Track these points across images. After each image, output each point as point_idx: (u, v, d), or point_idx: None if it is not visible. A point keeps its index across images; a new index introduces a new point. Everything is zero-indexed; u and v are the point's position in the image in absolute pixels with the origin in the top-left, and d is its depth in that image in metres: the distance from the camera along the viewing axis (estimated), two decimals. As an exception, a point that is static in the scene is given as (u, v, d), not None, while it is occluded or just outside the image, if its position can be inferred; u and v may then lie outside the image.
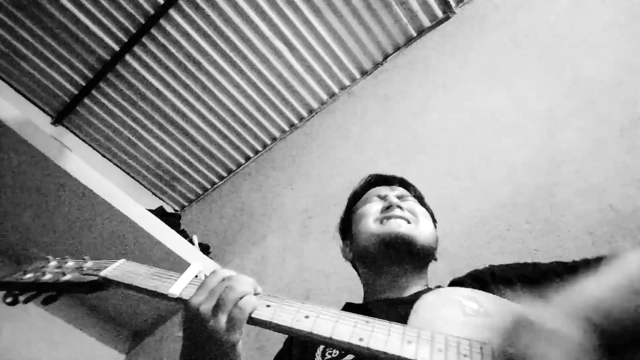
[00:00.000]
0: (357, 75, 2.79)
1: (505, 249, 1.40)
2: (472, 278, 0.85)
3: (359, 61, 2.74)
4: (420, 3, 2.51)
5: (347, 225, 1.06)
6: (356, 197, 1.09)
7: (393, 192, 1.02)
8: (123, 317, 2.57)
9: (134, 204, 2.28)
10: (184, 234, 2.62)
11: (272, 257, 2.26)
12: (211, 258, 2.58)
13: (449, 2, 2.45)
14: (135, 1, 2.51)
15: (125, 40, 2.62)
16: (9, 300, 0.76)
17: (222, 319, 0.58)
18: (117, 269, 0.74)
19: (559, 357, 0.45)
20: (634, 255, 0.61)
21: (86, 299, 2.49)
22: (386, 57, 2.70)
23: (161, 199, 3.32)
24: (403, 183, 1.10)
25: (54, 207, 2.13)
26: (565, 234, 1.30)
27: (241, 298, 0.60)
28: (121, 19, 2.56)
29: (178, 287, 0.65)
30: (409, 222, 0.92)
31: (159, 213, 2.58)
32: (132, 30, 2.60)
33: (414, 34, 2.61)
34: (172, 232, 2.42)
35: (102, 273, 0.73)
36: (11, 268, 2.30)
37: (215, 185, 3.23)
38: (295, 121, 2.97)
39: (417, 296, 0.75)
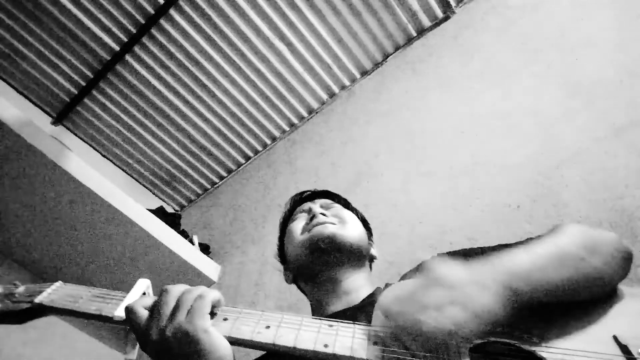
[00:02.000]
0: (357, 75, 2.79)
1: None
2: (418, 269, 0.83)
3: (359, 61, 2.74)
4: (420, 3, 2.51)
5: (282, 251, 1.06)
6: (285, 221, 1.09)
7: (317, 204, 1.02)
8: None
9: (134, 204, 2.28)
10: (184, 234, 2.62)
11: (272, 257, 2.26)
12: (211, 258, 2.58)
13: (449, 2, 2.46)
14: (135, 1, 2.51)
15: (125, 40, 2.62)
16: None
17: (182, 314, 0.54)
18: (53, 294, 0.67)
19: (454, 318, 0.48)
20: (569, 226, 0.65)
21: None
22: (386, 57, 2.70)
23: (161, 199, 3.32)
24: (327, 194, 1.10)
25: (53, 207, 2.13)
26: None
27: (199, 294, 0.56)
28: (121, 19, 2.56)
29: (123, 308, 0.59)
30: (334, 224, 0.92)
31: (159, 213, 2.58)
32: (132, 30, 2.60)
33: (414, 34, 2.61)
34: (172, 232, 2.43)
35: (37, 299, 0.66)
36: (10, 268, 2.30)
37: (215, 185, 3.23)
38: (295, 121, 2.97)
39: (370, 299, 0.74)
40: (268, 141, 3.07)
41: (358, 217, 1.03)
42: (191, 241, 2.58)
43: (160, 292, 0.58)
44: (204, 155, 3.11)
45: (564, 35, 1.82)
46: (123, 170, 3.19)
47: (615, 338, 0.51)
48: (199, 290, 0.58)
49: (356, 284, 0.88)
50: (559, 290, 0.55)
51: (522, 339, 0.52)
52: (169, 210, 3.21)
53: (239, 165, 3.16)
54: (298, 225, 0.97)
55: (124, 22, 2.58)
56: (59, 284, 0.70)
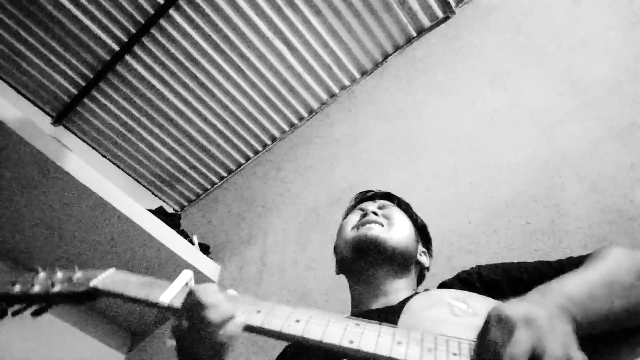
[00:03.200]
0: (357, 75, 2.79)
1: (505, 249, 1.40)
2: (460, 280, 0.85)
3: (359, 61, 2.74)
4: (420, 3, 2.51)
5: None
6: (346, 216, 1.11)
7: (375, 204, 1.05)
8: (123, 317, 2.57)
9: (134, 204, 2.28)
10: (184, 234, 2.62)
11: (272, 257, 2.26)
12: (211, 258, 2.58)
13: (449, 2, 2.46)
14: (135, 1, 2.51)
15: (125, 40, 2.62)
16: None
17: (215, 314, 0.57)
18: (107, 279, 0.74)
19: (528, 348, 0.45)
20: (612, 250, 0.63)
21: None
22: (386, 57, 2.70)
23: (161, 199, 3.32)
24: (387, 196, 1.12)
25: (53, 207, 2.13)
26: (565, 234, 1.30)
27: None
28: (121, 19, 2.56)
29: (168, 295, 0.65)
30: (382, 226, 0.94)
31: (159, 213, 2.58)
32: (132, 30, 2.60)
33: (414, 34, 2.61)
34: (172, 232, 2.43)
35: (92, 283, 0.72)
36: (10, 268, 2.30)
37: (215, 185, 3.23)
38: (295, 121, 2.97)
39: (405, 302, 0.76)
40: (268, 141, 3.07)
41: (415, 224, 1.05)
42: (191, 241, 2.58)
43: (191, 295, 0.60)
44: (204, 155, 3.11)
45: (563, 35, 1.82)
46: (123, 170, 3.19)
47: None
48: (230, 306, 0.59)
49: (395, 287, 0.90)
50: (612, 320, 0.53)
51: None
52: (169, 210, 3.21)
53: (239, 165, 3.16)
54: (351, 220, 1.01)
55: (124, 22, 2.58)
56: (112, 270, 0.76)
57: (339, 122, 2.64)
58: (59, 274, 0.78)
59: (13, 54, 2.66)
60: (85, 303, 0.74)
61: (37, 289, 0.75)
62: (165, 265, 2.36)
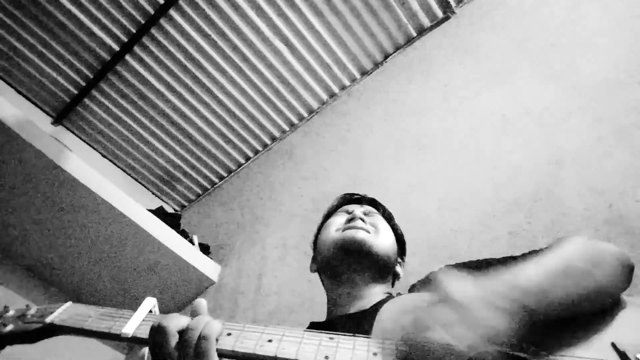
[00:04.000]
0: (357, 75, 2.79)
1: (505, 249, 1.40)
2: (427, 282, 0.86)
3: (359, 61, 2.74)
4: (420, 3, 2.51)
5: (317, 240, 1.10)
6: (328, 215, 1.12)
7: (361, 209, 1.05)
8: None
9: (134, 204, 2.28)
10: (184, 234, 2.62)
11: (272, 257, 2.26)
12: (211, 258, 2.58)
13: (449, 2, 2.46)
14: (135, 1, 2.51)
15: (125, 40, 2.62)
16: None
17: (189, 352, 0.55)
18: (64, 313, 0.70)
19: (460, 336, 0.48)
20: (570, 239, 0.65)
21: (86, 300, 2.49)
22: (386, 57, 2.70)
23: (161, 199, 3.32)
24: (373, 203, 1.13)
25: (53, 207, 2.13)
26: (566, 234, 1.30)
27: (204, 328, 0.57)
28: (121, 19, 2.56)
29: (131, 325, 0.62)
30: (368, 232, 0.95)
31: (159, 213, 2.58)
32: (132, 30, 2.60)
33: (414, 34, 2.61)
34: (172, 232, 2.43)
35: (48, 319, 0.69)
36: (10, 268, 2.30)
37: (215, 185, 3.23)
38: (295, 121, 2.97)
39: (378, 306, 0.76)
40: (268, 141, 3.07)
41: (396, 234, 1.06)
42: (191, 241, 2.58)
43: (157, 329, 0.58)
44: (204, 155, 3.11)
45: (563, 36, 1.82)
46: (123, 170, 3.19)
47: (613, 345, 0.52)
48: (201, 327, 0.57)
49: (372, 292, 0.91)
50: (567, 306, 0.55)
51: (527, 351, 0.53)
52: (169, 210, 3.21)
53: (239, 165, 3.16)
54: (336, 221, 1.01)
55: (124, 22, 2.58)
56: (68, 304, 0.72)
57: (339, 122, 2.64)
58: (11, 312, 0.75)
59: (13, 54, 2.66)
60: (41, 340, 0.70)
61: None
62: (165, 266, 2.36)
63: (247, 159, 3.13)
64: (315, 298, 1.83)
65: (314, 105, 2.89)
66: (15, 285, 2.26)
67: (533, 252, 0.75)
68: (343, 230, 0.95)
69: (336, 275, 0.94)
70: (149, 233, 2.26)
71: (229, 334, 0.58)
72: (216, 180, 3.23)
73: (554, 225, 1.35)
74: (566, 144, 1.50)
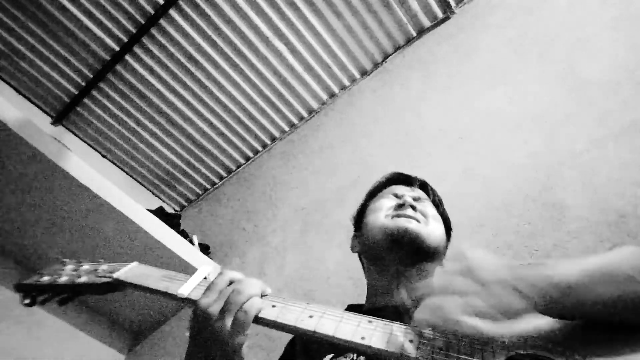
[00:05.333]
0: (357, 75, 2.79)
1: (505, 249, 1.40)
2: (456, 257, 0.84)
3: (359, 61, 2.74)
4: (420, 3, 2.51)
5: (361, 218, 1.04)
6: (374, 192, 1.07)
7: (410, 193, 1.00)
8: (123, 317, 2.57)
9: (134, 204, 2.28)
10: (184, 234, 2.62)
11: (272, 257, 2.26)
12: (211, 258, 2.58)
13: (449, 2, 2.46)
14: (135, 1, 2.51)
15: (125, 40, 2.62)
16: (27, 301, 0.79)
17: (228, 321, 0.59)
18: (130, 271, 0.77)
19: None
20: (624, 247, 0.62)
21: (86, 299, 2.49)
22: (386, 57, 2.70)
23: (161, 199, 3.32)
24: (423, 186, 1.09)
25: (53, 207, 2.13)
26: (566, 234, 1.30)
27: (247, 301, 0.61)
28: (121, 19, 2.56)
29: (187, 288, 0.68)
30: (419, 222, 0.91)
31: (159, 213, 2.58)
32: (132, 30, 2.60)
33: (414, 34, 2.61)
34: (172, 232, 2.43)
35: (116, 275, 0.76)
36: (10, 268, 2.30)
37: (215, 186, 3.23)
38: (295, 121, 2.97)
39: (417, 304, 0.75)
40: (268, 141, 3.07)
41: (444, 219, 1.02)
42: (191, 241, 2.58)
43: (218, 274, 0.65)
44: (204, 155, 3.11)
45: (563, 36, 1.83)
46: (123, 170, 3.19)
47: None
48: (246, 291, 0.62)
49: (417, 285, 0.88)
50: (604, 309, 0.53)
51: (564, 356, 0.51)
52: (169, 210, 3.21)
53: (239, 165, 3.16)
54: (385, 204, 0.96)
55: (124, 22, 2.58)
56: (135, 263, 0.79)
57: (339, 122, 2.64)
58: (85, 266, 0.83)
59: (13, 54, 2.66)
60: (108, 293, 0.77)
61: (64, 279, 0.79)
62: (165, 266, 2.36)
63: (247, 159, 3.13)
64: (315, 298, 1.83)
65: (314, 105, 2.89)
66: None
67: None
68: (392, 217, 0.91)
69: (382, 263, 0.91)
70: (149, 233, 2.26)
71: (273, 306, 0.62)
72: (216, 180, 3.23)
73: (553, 225, 1.35)
74: (566, 144, 1.50)
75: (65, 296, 0.80)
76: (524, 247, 1.36)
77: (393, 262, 0.89)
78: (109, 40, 2.63)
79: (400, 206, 0.93)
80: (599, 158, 1.39)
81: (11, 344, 2.07)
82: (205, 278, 0.71)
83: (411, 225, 0.88)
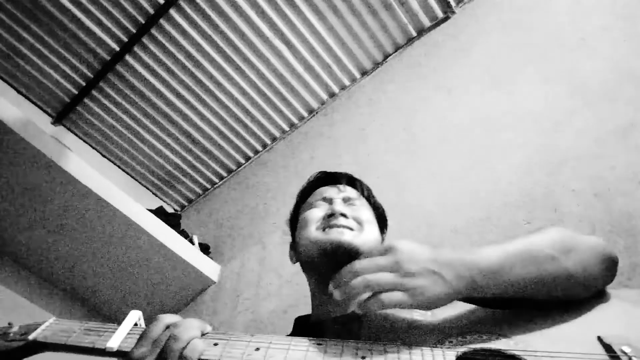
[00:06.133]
0: (357, 75, 2.79)
1: (505, 249, 1.40)
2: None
3: (359, 61, 2.74)
4: (420, 3, 2.51)
5: (294, 225, 1.03)
6: (304, 195, 1.05)
7: (340, 195, 0.98)
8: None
9: (134, 204, 2.28)
10: (184, 234, 2.62)
11: (272, 257, 2.26)
12: (211, 258, 2.58)
13: (449, 2, 2.46)
14: (135, 1, 2.51)
15: (125, 40, 2.63)
16: None
17: None
18: (46, 330, 0.69)
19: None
20: (547, 229, 0.65)
21: (87, 299, 2.49)
22: (386, 57, 2.70)
23: (161, 199, 3.32)
24: (350, 181, 1.05)
25: (53, 207, 2.13)
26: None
27: (187, 345, 0.56)
28: (121, 19, 2.56)
29: (116, 340, 0.62)
30: (352, 230, 0.88)
31: (159, 213, 2.58)
32: (132, 30, 2.60)
33: (414, 34, 2.61)
34: (172, 232, 2.43)
35: (31, 336, 0.68)
36: (10, 268, 2.30)
37: (215, 185, 3.23)
38: (295, 121, 2.97)
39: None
40: (268, 141, 3.07)
41: (377, 211, 1.01)
42: (191, 241, 2.58)
43: (153, 321, 0.60)
44: (204, 155, 3.11)
45: (564, 36, 1.82)
46: (123, 170, 3.19)
47: (599, 338, 0.52)
48: (184, 334, 0.57)
49: None
50: (526, 287, 0.56)
51: (495, 335, 0.54)
52: (169, 210, 3.21)
53: (239, 165, 3.16)
54: (315, 214, 0.93)
55: (124, 22, 2.58)
56: (52, 320, 0.71)
57: (339, 121, 2.64)
58: None
59: (13, 54, 2.67)
60: (25, 357, 0.69)
61: None
62: (166, 266, 2.36)
63: (247, 159, 3.13)
64: (315, 298, 1.83)
65: (314, 105, 2.89)
66: (15, 285, 2.26)
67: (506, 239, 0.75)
68: (324, 229, 0.88)
69: (320, 275, 0.89)
70: (149, 233, 2.26)
71: (215, 344, 0.58)
72: (216, 180, 3.23)
73: (553, 225, 1.35)
74: (566, 144, 1.50)
75: None
76: (523, 247, 1.36)
77: (330, 273, 0.89)
78: (109, 40, 2.63)
79: (330, 216, 0.90)
80: (599, 158, 1.39)
81: (11, 343, 2.07)
82: (136, 324, 0.66)
83: (344, 237, 0.85)
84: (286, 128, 3.00)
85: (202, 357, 0.56)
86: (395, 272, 0.55)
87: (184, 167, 3.16)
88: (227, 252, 2.59)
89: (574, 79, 1.65)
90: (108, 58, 2.69)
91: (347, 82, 2.81)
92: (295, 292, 1.95)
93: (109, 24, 2.58)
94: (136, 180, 3.25)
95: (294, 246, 1.01)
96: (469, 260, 0.56)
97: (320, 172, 1.09)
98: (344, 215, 0.90)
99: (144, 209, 2.34)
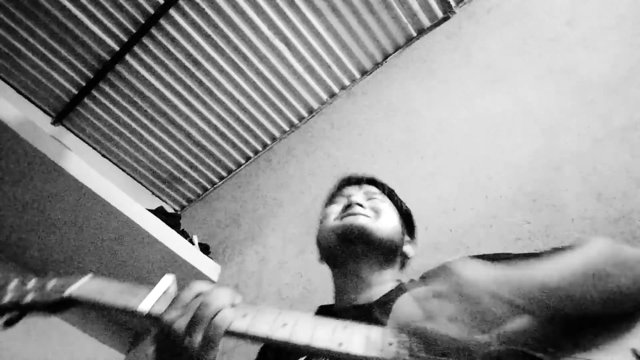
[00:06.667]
0: (357, 75, 2.79)
1: (505, 249, 1.40)
2: (442, 270, 0.84)
3: (359, 61, 2.74)
4: (420, 3, 2.51)
5: None
6: (329, 199, 1.09)
7: (360, 191, 1.01)
8: (123, 317, 2.57)
9: (134, 204, 2.28)
10: (184, 234, 2.62)
11: (272, 257, 2.26)
12: (211, 258, 2.58)
13: (449, 2, 2.45)
14: (135, 1, 2.51)
15: (125, 40, 2.62)
16: None
17: (197, 337, 0.55)
18: (83, 286, 0.70)
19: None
20: (595, 241, 0.63)
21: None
22: (386, 57, 2.70)
23: (161, 199, 3.32)
24: (372, 182, 1.08)
25: (53, 207, 2.13)
26: (566, 234, 1.30)
27: (217, 314, 0.57)
28: (121, 19, 2.56)
29: (148, 302, 0.62)
30: (368, 217, 0.91)
31: (159, 213, 2.58)
32: (132, 30, 2.60)
33: (414, 34, 2.61)
34: (172, 232, 2.43)
35: (67, 291, 0.68)
36: (10, 267, 2.30)
37: (215, 185, 3.23)
38: (295, 121, 2.97)
39: (388, 297, 0.74)
40: (268, 141, 3.07)
41: (401, 211, 1.02)
42: (191, 241, 2.58)
43: (176, 297, 0.60)
44: (204, 155, 3.11)
45: (564, 36, 1.82)
46: (123, 170, 3.19)
47: (633, 351, 0.51)
48: (215, 303, 0.57)
49: (380, 279, 0.88)
50: (587, 308, 0.54)
51: (545, 352, 0.52)
52: (169, 210, 3.21)
53: (239, 165, 3.16)
54: (334, 209, 0.97)
55: (124, 22, 2.58)
56: (89, 276, 0.72)
57: (339, 121, 2.64)
58: (32, 282, 0.75)
59: (13, 54, 2.66)
60: (60, 312, 0.70)
61: (8, 298, 0.72)
62: (165, 265, 2.36)
63: (247, 159, 3.13)
64: (315, 297, 1.83)
65: (314, 105, 2.89)
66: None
67: (554, 250, 0.74)
68: (341, 219, 0.91)
69: (340, 265, 0.91)
70: (149, 233, 2.26)
71: (244, 315, 0.58)
72: (216, 180, 3.23)
73: (553, 225, 1.35)
74: (566, 144, 1.50)
75: (11, 317, 0.72)
76: (524, 247, 1.36)
77: (348, 260, 0.89)
78: (109, 40, 2.63)
79: (348, 207, 0.93)
80: (599, 158, 1.39)
81: (11, 344, 2.07)
82: (166, 290, 0.66)
83: (357, 220, 0.88)
84: (286, 128, 3.00)
85: (231, 329, 0.56)
86: (454, 299, 0.51)
87: (184, 167, 3.16)
88: (227, 252, 2.59)
89: (574, 79, 1.65)
90: (108, 58, 2.69)
91: (347, 82, 2.81)
92: (295, 292, 1.95)
93: (109, 24, 2.58)
94: (136, 180, 3.25)
95: (317, 244, 1.03)
96: (530, 279, 0.53)
97: (343, 177, 1.13)
98: (360, 204, 0.92)
99: (144, 209, 2.34)
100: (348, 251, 0.88)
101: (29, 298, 0.71)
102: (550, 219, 1.37)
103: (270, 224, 2.46)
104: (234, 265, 2.46)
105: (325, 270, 1.94)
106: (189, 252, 2.42)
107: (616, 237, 1.20)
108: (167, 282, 0.66)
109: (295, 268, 2.07)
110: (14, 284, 0.75)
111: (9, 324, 0.71)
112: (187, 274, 2.39)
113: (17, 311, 0.72)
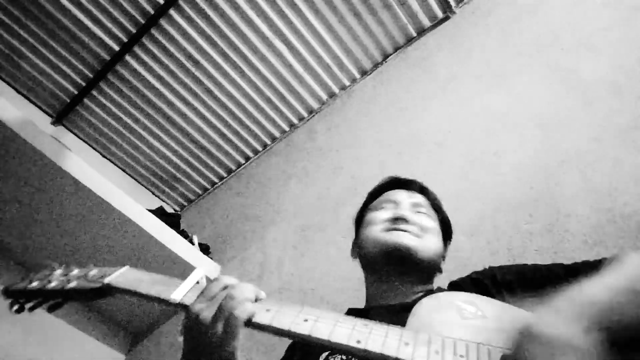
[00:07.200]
0: (357, 75, 2.79)
1: (505, 249, 1.40)
2: (472, 281, 0.85)
3: (359, 61, 2.74)
4: (420, 3, 2.51)
5: (360, 224, 1.06)
6: (373, 196, 1.08)
7: (409, 200, 1.00)
8: (123, 317, 2.58)
9: (134, 204, 2.28)
10: (184, 234, 2.62)
11: (272, 257, 2.26)
12: (211, 258, 2.58)
13: (449, 2, 2.45)
14: (135, 1, 2.51)
15: (125, 40, 2.62)
16: (15, 308, 0.79)
17: (220, 327, 0.60)
18: (121, 276, 0.76)
19: None
20: (632, 256, 0.61)
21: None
22: (386, 57, 2.70)
23: (161, 199, 3.32)
24: (422, 190, 1.08)
25: (53, 207, 2.13)
26: (566, 234, 1.30)
27: (239, 306, 0.61)
28: (121, 19, 2.56)
29: (179, 292, 0.67)
30: (414, 235, 0.91)
31: (159, 213, 2.58)
32: (132, 30, 2.60)
33: (414, 34, 2.61)
34: (172, 232, 2.43)
35: (107, 280, 0.75)
36: (10, 267, 2.30)
37: (215, 185, 3.23)
38: (295, 121, 2.97)
39: (417, 301, 0.75)
40: (268, 141, 3.07)
41: (443, 223, 1.03)
42: (191, 241, 2.58)
43: (213, 279, 0.66)
44: (204, 155, 3.11)
45: (564, 36, 1.82)
46: (123, 170, 3.19)
47: None
48: (239, 296, 0.62)
49: (415, 290, 0.90)
50: (632, 326, 0.51)
51: None
52: (169, 210, 3.21)
53: (239, 165, 3.16)
54: (381, 216, 0.97)
55: (124, 22, 2.58)
56: (126, 267, 0.78)
57: (339, 122, 2.64)
58: (75, 271, 0.81)
59: (13, 54, 2.66)
60: (98, 299, 0.77)
61: (53, 284, 0.78)
62: (165, 265, 2.36)
63: (247, 159, 3.13)
64: (315, 298, 1.83)
65: (314, 105, 2.89)
66: (15, 285, 2.26)
67: (586, 263, 0.73)
68: (388, 230, 0.91)
69: (377, 273, 0.93)
70: (149, 233, 2.27)
71: (267, 310, 0.62)
72: (216, 180, 3.23)
73: (554, 225, 1.35)
74: (566, 144, 1.50)
75: (55, 302, 0.79)
76: (524, 247, 1.36)
77: (388, 274, 0.91)
78: (109, 40, 2.63)
79: (396, 220, 0.93)
80: (599, 158, 1.39)
81: (11, 344, 2.07)
82: (197, 282, 0.71)
83: (405, 239, 0.89)
84: (286, 128, 3.00)
85: (255, 321, 0.61)
86: (542, 344, 0.47)
87: (184, 167, 3.16)
88: (227, 252, 2.59)
89: (574, 79, 1.65)
90: (108, 58, 2.69)
91: (347, 82, 2.81)
92: (295, 292, 1.95)
93: (109, 24, 2.58)
94: (136, 180, 3.24)
95: (356, 243, 1.03)
96: (587, 301, 0.51)
97: (392, 176, 1.12)
98: (407, 220, 0.93)
99: (144, 209, 2.34)
100: (390, 268, 0.90)
101: (71, 285, 0.77)
102: (550, 219, 1.37)
103: (270, 224, 2.46)
104: (234, 265, 2.46)
105: (323, 271, 1.95)
106: (189, 252, 2.42)
107: (618, 238, 1.20)
108: (198, 274, 0.73)
109: (295, 268, 2.07)
110: (58, 271, 0.82)
111: (52, 308, 0.79)
112: (187, 274, 2.38)
113: (60, 297, 0.79)
